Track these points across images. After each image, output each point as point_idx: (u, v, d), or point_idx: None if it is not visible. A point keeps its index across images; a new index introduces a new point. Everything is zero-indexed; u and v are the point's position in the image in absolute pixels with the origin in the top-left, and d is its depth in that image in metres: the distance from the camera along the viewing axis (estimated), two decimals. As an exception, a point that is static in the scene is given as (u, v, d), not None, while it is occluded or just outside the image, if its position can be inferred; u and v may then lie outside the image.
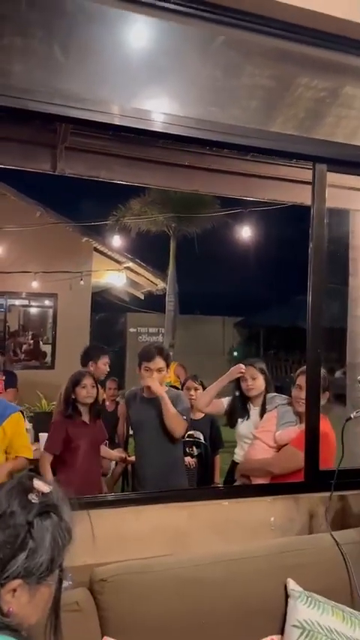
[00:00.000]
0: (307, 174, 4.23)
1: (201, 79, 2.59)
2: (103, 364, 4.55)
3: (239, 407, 3.75)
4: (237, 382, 3.78)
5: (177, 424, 3.50)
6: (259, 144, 2.53)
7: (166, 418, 3.48)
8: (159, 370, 3.54)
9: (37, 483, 1.30)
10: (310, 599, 1.99)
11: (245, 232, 7.36)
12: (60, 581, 1.30)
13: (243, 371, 3.69)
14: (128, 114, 2.28)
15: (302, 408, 3.09)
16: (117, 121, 2.28)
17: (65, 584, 1.33)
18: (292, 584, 2.03)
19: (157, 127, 2.33)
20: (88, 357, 4.64)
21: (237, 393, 3.79)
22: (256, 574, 2.05)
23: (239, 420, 3.74)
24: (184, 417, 3.54)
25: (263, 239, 10.03)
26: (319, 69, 2.80)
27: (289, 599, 2.01)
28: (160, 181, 4.47)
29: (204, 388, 4.90)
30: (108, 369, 4.57)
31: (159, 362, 3.54)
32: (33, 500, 1.27)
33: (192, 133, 2.38)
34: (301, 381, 3.08)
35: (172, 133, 2.37)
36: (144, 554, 2.11)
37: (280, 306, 18.95)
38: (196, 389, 4.90)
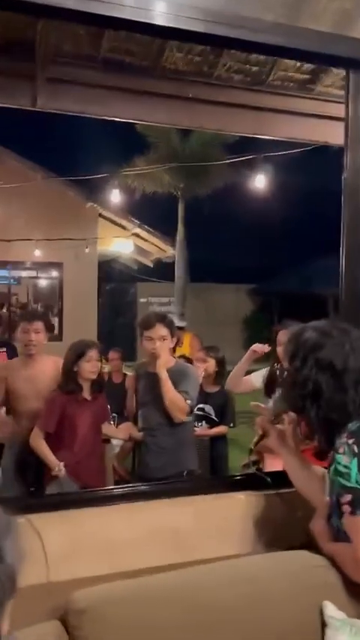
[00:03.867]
0: (333, 109, 3.62)
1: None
2: (34, 331, 3.61)
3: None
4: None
5: (175, 408, 3.19)
6: (280, 42, 1.96)
7: (164, 399, 3.19)
8: (162, 339, 3.22)
9: None
10: (354, 629, 1.51)
11: (259, 182, 6.53)
12: None
13: (258, 350, 3.58)
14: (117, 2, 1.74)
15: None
16: (100, 10, 1.73)
17: None
18: (330, 609, 1.54)
19: (159, 20, 1.78)
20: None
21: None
22: (282, 595, 1.57)
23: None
24: (188, 398, 3.22)
25: (279, 193, 9.36)
26: None
27: (326, 629, 1.53)
28: (159, 117, 3.89)
29: (217, 362, 4.57)
30: (40, 339, 3.64)
31: (160, 329, 3.23)
32: None
33: (199, 27, 1.83)
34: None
35: (175, 26, 1.82)
36: (137, 564, 1.68)
37: (297, 271, 18.24)
38: (204, 360, 4.53)
